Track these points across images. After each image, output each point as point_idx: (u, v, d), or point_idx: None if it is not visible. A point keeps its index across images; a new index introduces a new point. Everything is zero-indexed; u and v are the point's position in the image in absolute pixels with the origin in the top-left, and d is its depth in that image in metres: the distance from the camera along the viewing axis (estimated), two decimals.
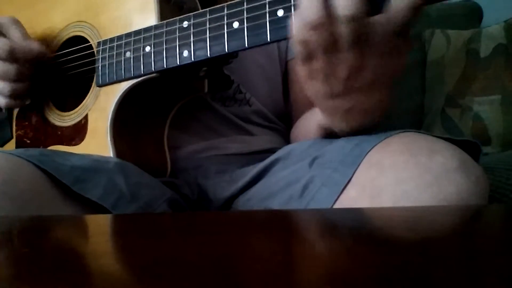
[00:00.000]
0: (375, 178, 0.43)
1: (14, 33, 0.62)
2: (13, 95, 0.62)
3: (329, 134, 0.55)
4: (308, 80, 0.47)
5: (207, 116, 0.70)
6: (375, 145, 0.45)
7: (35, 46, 0.62)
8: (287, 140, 0.76)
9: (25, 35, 0.63)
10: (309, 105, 0.68)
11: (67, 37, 0.66)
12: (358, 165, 0.45)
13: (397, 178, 0.41)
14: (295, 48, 0.45)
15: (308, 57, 0.44)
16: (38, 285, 0.20)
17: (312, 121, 0.60)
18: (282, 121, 0.78)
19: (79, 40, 0.65)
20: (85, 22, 0.64)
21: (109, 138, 0.58)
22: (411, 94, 1.20)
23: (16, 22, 0.63)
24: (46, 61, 0.65)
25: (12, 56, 0.60)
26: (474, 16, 1.25)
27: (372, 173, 0.43)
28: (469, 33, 1.12)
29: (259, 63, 0.74)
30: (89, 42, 0.63)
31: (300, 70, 0.47)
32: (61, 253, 0.26)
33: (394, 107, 1.14)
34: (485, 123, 1.03)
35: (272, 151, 0.68)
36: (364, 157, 0.45)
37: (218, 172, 0.66)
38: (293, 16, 0.44)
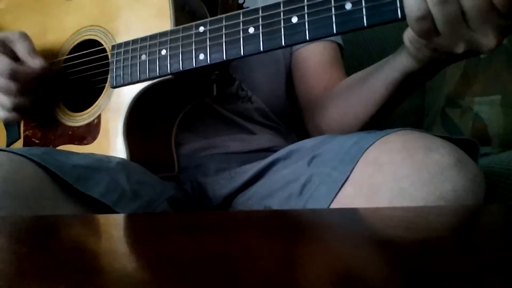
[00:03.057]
0: (372, 175, 0.43)
1: (20, 48, 0.62)
2: (15, 109, 0.63)
3: (409, 77, 0.52)
4: (417, 47, 0.45)
5: (207, 115, 0.70)
6: (373, 143, 0.45)
7: (37, 64, 0.61)
8: (287, 140, 0.76)
9: (31, 50, 0.62)
10: (325, 85, 0.69)
11: (79, 40, 0.68)
12: (356, 163, 0.45)
13: (394, 175, 0.42)
14: (412, 28, 0.42)
15: (429, 34, 0.42)
16: (40, 284, 0.20)
17: (376, 85, 0.57)
18: (283, 122, 0.78)
19: (90, 44, 0.66)
20: (99, 26, 0.65)
21: (122, 138, 0.60)
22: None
23: (24, 37, 0.63)
24: (52, 74, 0.65)
25: (13, 77, 0.60)
26: None
27: (369, 170, 0.44)
28: None
29: (261, 62, 0.73)
30: (101, 45, 0.65)
31: (411, 42, 0.44)
32: (63, 252, 0.26)
33: None
34: (485, 123, 1.03)
35: (272, 150, 0.68)
36: (362, 155, 0.45)
37: (217, 170, 0.66)
38: None
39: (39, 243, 0.28)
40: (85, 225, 0.36)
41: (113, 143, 0.60)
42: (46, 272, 0.22)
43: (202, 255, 0.23)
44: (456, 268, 0.21)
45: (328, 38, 0.73)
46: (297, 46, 0.76)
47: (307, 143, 0.58)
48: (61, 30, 0.69)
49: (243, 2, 0.72)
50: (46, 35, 0.70)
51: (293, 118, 0.81)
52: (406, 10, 0.42)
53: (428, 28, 0.41)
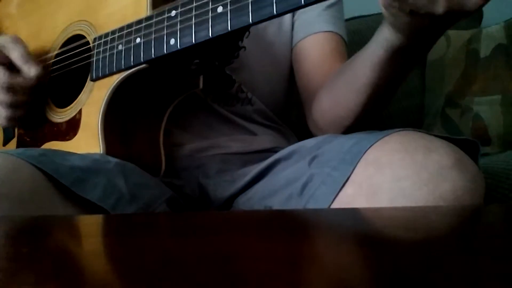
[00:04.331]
0: (372, 176, 0.43)
1: (14, 54, 0.62)
2: (10, 120, 0.64)
3: (395, 54, 0.49)
4: (392, 12, 0.42)
5: (208, 115, 0.70)
6: (374, 143, 0.45)
7: (33, 72, 0.61)
8: (288, 140, 0.76)
9: (26, 55, 0.62)
10: (325, 77, 0.66)
11: (67, 36, 0.68)
12: (357, 163, 0.45)
13: (394, 176, 0.42)
14: None
15: None
16: (37, 285, 0.20)
17: (360, 66, 0.55)
18: (284, 122, 0.78)
19: (78, 39, 0.66)
20: (85, 20, 0.65)
21: (99, 132, 0.58)
22: (411, 94, 1.20)
23: (16, 40, 0.63)
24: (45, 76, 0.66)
25: (10, 90, 0.61)
26: (474, 16, 1.25)
27: (370, 171, 0.44)
28: (469, 33, 1.12)
29: (261, 63, 0.73)
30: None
31: (386, 7, 0.42)
32: (61, 253, 0.26)
33: (394, 107, 1.14)
34: (485, 123, 1.03)
35: (273, 150, 0.68)
36: (363, 155, 0.45)
37: (219, 171, 0.66)
38: None
39: (35, 244, 0.28)
40: (82, 226, 0.36)
41: (91, 138, 0.59)
42: (42, 274, 0.22)
43: (201, 255, 0.24)
44: (456, 268, 0.21)
45: (329, 30, 0.71)
46: (297, 39, 0.74)
47: (308, 143, 0.58)
48: (52, 27, 0.70)
49: None
50: (40, 34, 0.71)
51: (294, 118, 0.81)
52: None
53: None
